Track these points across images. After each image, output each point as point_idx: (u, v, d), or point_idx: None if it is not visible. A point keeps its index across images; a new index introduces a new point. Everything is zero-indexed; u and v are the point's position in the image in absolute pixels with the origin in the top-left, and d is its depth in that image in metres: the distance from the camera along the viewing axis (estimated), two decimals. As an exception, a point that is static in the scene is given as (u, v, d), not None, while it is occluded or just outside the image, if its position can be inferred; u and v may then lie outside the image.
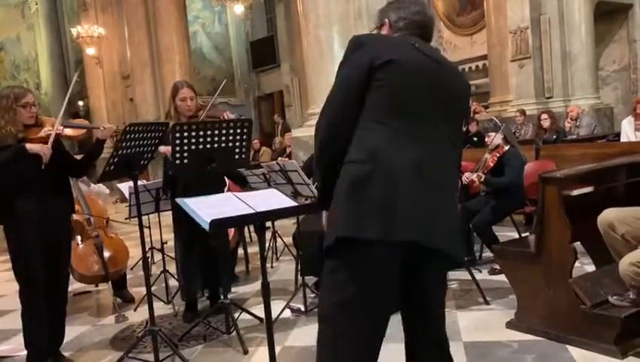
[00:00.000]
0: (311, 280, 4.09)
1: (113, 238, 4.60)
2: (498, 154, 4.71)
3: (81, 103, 18.54)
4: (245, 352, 3.24)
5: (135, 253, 4.90)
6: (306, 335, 3.38)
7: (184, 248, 3.90)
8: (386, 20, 1.91)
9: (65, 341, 3.38)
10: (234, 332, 3.44)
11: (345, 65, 1.76)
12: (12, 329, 4.00)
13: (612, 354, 2.76)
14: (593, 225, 2.96)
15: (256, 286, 4.65)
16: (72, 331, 3.81)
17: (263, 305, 2.37)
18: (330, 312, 1.71)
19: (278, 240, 5.65)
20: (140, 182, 3.54)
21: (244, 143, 3.24)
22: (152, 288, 3.31)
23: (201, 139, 3.10)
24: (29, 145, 2.93)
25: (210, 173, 3.32)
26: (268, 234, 5.46)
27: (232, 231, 4.68)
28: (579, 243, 3.24)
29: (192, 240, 3.77)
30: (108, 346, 3.62)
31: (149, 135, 3.05)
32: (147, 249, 3.70)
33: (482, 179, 4.66)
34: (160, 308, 4.14)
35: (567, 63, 9.83)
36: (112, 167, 2.96)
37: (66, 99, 3.50)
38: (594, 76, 10.11)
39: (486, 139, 4.93)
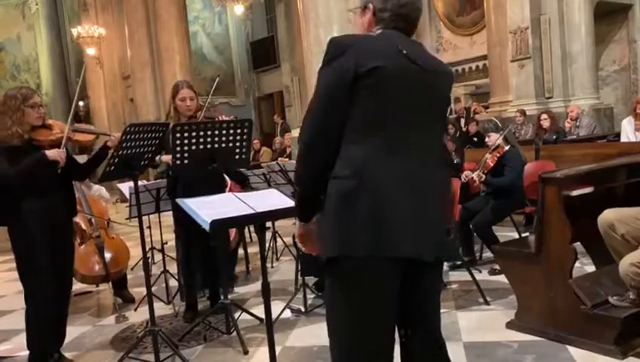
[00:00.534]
0: (311, 280, 4.09)
1: (114, 239, 4.61)
2: (498, 155, 4.71)
3: (81, 103, 18.53)
4: (245, 352, 3.24)
5: (135, 253, 4.90)
6: (306, 335, 3.38)
7: (184, 248, 3.90)
8: (371, 6, 1.78)
9: (65, 341, 3.38)
10: (234, 333, 3.44)
11: (327, 73, 1.65)
12: (12, 330, 4.00)
13: (612, 354, 2.76)
14: (593, 226, 2.96)
15: (257, 286, 4.66)
16: (73, 331, 3.81)
17: (263, 306, 2.38)
18: (333, 331, 1.70)
19: (279, 240, 5.66)
20: (140, 183, 3.54)
21: (244, 143, 3.25)
22: (153, 288, 3.31)
23: (201, 140, 3.11)
24: (48, 152, 2.96)
25: (211, 173, 3.33)
26: (268, 235, 5.46)
27: (233, 232, 4.69)
28: (579, 243, 3.24)
29: (193, 241, 3.78)
30: (108, 346, 3.63)
31: (149, 135, 3.05)
32: (147, 249, 3.70)
33: (482, 179, 4.66)
34: (160, 309, 4.15)
35: (567, 63, 9.83)
36: (112, 167, 2.96)
37: (74, 104, 3.53)
38: (594, 76, 10.11)
39: (486, 140, 4.93)
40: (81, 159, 3.40)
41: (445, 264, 4.72)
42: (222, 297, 3.66)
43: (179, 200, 2.49)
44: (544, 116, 8.17)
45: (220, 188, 3.76)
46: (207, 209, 2.23)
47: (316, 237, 1.72)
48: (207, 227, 2.12)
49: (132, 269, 5.39)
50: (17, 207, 2.98)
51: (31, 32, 20.53)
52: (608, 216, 2.91)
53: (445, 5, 14.04)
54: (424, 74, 1.68)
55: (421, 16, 1.81)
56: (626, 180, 3.42)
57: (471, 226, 4.59)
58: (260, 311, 3.67)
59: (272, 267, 5.36)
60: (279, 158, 8.23)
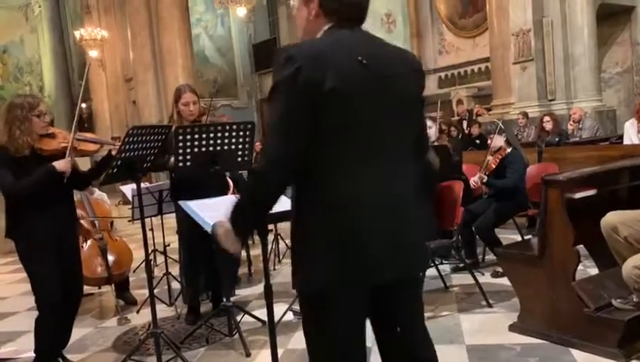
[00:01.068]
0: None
1: (117, 241, 4.61)
2: (500, 157, 4.71)
3: (84, 106, 18.58)
4: (248, 355, 3.24)
5: (137, 255, 4.91)
6: (308, 337, 3.38)
7: (187, 250, 3.91)
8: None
9: (68, 343, 3.38)
10: (236, 335, 3.45)
11: (283, 91, 1.49)
12: (16, 331, 4.01)
13: (615, 357, 2.75)
14: (596, 228, 2.95)
15: (259, 288, 4.66)
16: (75, 333, 3.79)
17: (265, 308, 2.37)
18: (311, 356, 1.70)
19: (281, 242, 5.66)
20: (142, 185, 3.54)
21: (246, 145, 3.25)
22: (155, 290, 3.31)
23: (203, 142, 3.11)
24: (56, 164, 2.93)
25: (214, 175, 3.33)
26: (270, 237, 5.46)
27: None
28: (582, 246, 3.23)
29: (195, 243, 3.78)
30: (110, 348, 3.63)
31: (151, 138, 3.05)
32: (150, 251, 3.71)
33: (484, 181, 4.66)
34: (162, 311, 4.15)
35: (569, 66, 9.82)
36: (114, 170, 2.96)
37: (77, 112, 3.48)
38: (597, 78, 10.09)
39: (488, 142, 4.93)
40: (83, 164, 3.34)
41: (448, 267, 4.72)
42: (224, 299, 3.66)
43: (181, 203, 2.49)
44: (547, 118, 8.16)
45: (222, 191, 3.76)
46: (209, 211, 2.23)
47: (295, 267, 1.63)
48: (209, 229, 2.11)
49: (134, 271, 5.39)
50: (23, 218, 2.96)
51: (34, 34, 20.58)
52: (611, 218, 2.91)
53: (448, 7, 14.04)
54: (387, 81, 1.56)
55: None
56: (629, 183, 3.41)
57: (473, 229, 4.59)
58: (262, 313, 3.66)
59: (275, 269, 5.36)
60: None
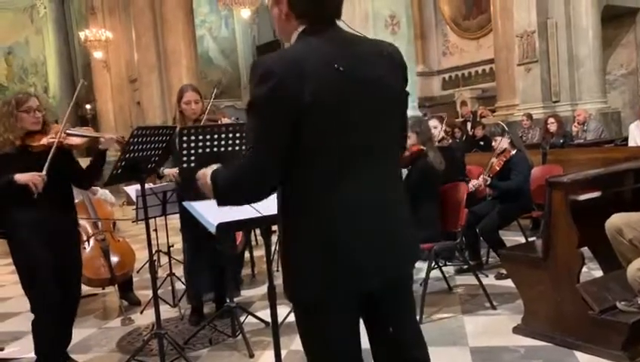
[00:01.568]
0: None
1: (120, 242, 4.62)
2: (505, 158, 4.70)
3: (88, 107, 18.64)
4: (251, 356, 3.25)
5: (141, 255, 4.91)
6: (311, 339, 3.38)
7: (191, 251, 3.91)
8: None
9: (71, 343, 3.38)
10: (240, 336, 3.44)
11: (261, 106, 1.48)
12: (20, 332, 4.02)
13: (619, 359, 2.74)
14: (601, 230, 2.94)
15: (262, 289, 4.66)
16: (79, 333, 3.82)
17: (269, 309, 2.37)
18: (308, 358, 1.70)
19: (284, 243, 5.65)
20: (146, 185, 3.55)
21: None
22: (159, 291, 3.31)
23: (207, 143, 3.10)
24: (17, 176, 2.81)
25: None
26: (274, 238, 5.45)
27: (239, 235, 4.69)
28: (586, 248, 3.22)
29: (199, 244, 3.78)
30: (114, 349, 3.63)
31: (156, 138, 3.05)
32: (154, 252, 3.71)
33: (488, 182, 4.65)
34: (166, 311, 4.15)
35: (574, 67, 9.81)
36: (119, 171, 2.95)
37: (70, 106, 3.45)
38: (601, 80, 10.08)
39: (493, 144, 4.93)
40: (85, 164, 3.31)
41: (452, 268, 4.71)
42: (228, 300, 3.66)
43: (185, 203, 2.49)
44: (551, 120, 8.15)
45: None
46: (213, 212, 2.23)
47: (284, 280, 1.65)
48: (213, 230, 2.12)
49: (138, 272, 5.40)
50: (13, 217, 2.92)
51: (39, 35, 20.66)
52: (616, 220, 2.90)
53: (452, 9, 14.05)
54: (367, 84, 1.53)
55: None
56: (634, 185, 3.40)
57: (477, 230, 4.58)
58: (265, 314, 3.65)
59: (278, 270, 5.35)
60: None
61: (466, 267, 4.47)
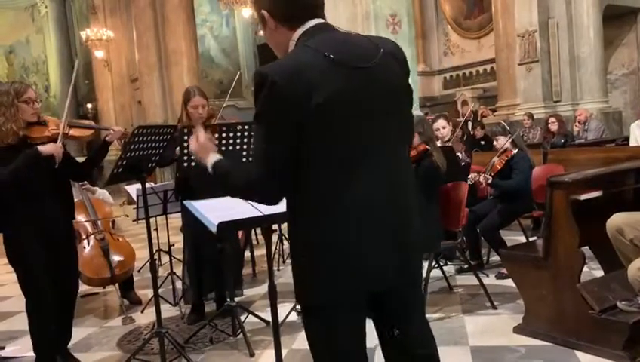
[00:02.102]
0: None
1: (120, 241, 4.62)
2: (506, 158, 4.70)
3: (89, 106, 18.65)
4: (252, 355, 3.25)
5: (142, 255, 4.91)
6: (312, 338, 3.38)
7: (192, 250, 3.91)
8: (265, 14, 1.57)
9: (72, 342, 3.39)
10: (240, 335, 3.45)
11: (266, 116, 1.49)
12: (20, 331, 4.02)
13: (620, 359, 2.74)
14: (602, 230, 2.94)
15: (263, 288, 4.66)
16: (79, 332, 3.83)
17: (269, 308, 2.37)
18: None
19: (285, 242, 5.65)
20: (147, 185, 3.55)
21: (251, 146, 3.25)
22: (159, 290, 3.32)
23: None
24: (42, 148, 2.82)
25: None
26: (275, 237, 5.46)
27: (240, 234, 4.69)
28: (587, 247, 3.22)
29: (200, 243, 3.78)
30: (115, 348, 3.64)
31: (157, 137, 3.05)
32: (154, 251, 3.71)
33: (489, 182, 4.65)
34: (167, 311, 4.15)
35: (575, 67, 9.81)
36: (120, 170, 2.96)
37: (68, 98, 3.38)
38: (602, 80, 10.07)
39: (494, 143, 4.92)
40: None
41: (452, 268, 4.71)
42: (228, 299, 3.66)
43: (186, 203, 2.49)
44: (552, 120, 8.15)
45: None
46: (214, 211, 2.23)
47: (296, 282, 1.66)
48: (214, 229, 2.12)
49: (139, 271, 5.40)
50: (11, 211, 2.89)
51: (40, 34, 20.68)
52: (617, 220, 2.89)
53: (453, 8, 14.04)
54: (364, 73, 1.53)
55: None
56: (635, 184, 3.40)
57: (478, 230, 4.58)
58: (266, 313, 3.66)
59: (279, 270, 5.36)
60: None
61: (466, 266, 4.46)
